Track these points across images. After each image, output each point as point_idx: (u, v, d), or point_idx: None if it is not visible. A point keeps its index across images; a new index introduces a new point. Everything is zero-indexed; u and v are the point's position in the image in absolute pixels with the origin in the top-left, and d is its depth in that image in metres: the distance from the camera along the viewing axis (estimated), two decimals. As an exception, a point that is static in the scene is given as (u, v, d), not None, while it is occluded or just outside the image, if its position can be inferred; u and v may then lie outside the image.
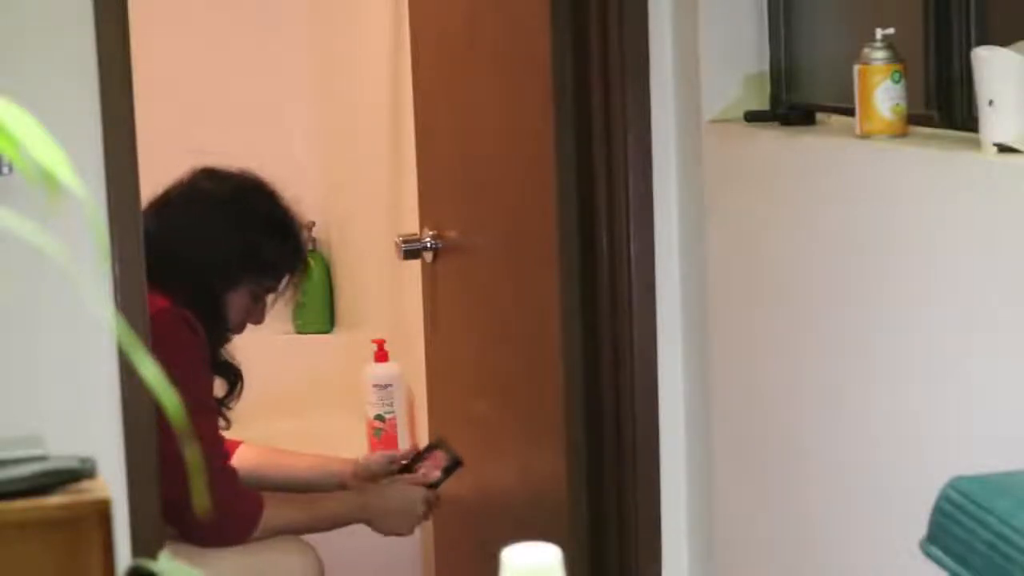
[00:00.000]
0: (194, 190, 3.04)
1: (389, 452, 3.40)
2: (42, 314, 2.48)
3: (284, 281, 3.09)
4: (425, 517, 3.17)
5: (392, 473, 3.21)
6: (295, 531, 2.98)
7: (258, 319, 3.08)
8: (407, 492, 3.13)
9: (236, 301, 3.01)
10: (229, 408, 3.09)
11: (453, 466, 3.19)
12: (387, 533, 3.13)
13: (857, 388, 2.36)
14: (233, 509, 2.87)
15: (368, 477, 3.20)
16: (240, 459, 3.12)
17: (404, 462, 3.26)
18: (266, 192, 3.09)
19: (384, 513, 3.09)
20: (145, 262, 2.60)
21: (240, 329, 3.07)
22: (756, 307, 2.67)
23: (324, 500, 3.08)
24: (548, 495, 3.08)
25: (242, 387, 3.09)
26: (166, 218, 2.94)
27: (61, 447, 1.79)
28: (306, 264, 3.18)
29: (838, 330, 2.40)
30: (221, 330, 3.01)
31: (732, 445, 2.78)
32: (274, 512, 2.93)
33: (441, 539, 3.64)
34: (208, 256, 2.95)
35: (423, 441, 3.87)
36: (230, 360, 3.08)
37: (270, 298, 3.09)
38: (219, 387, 3.07)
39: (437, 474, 3.18)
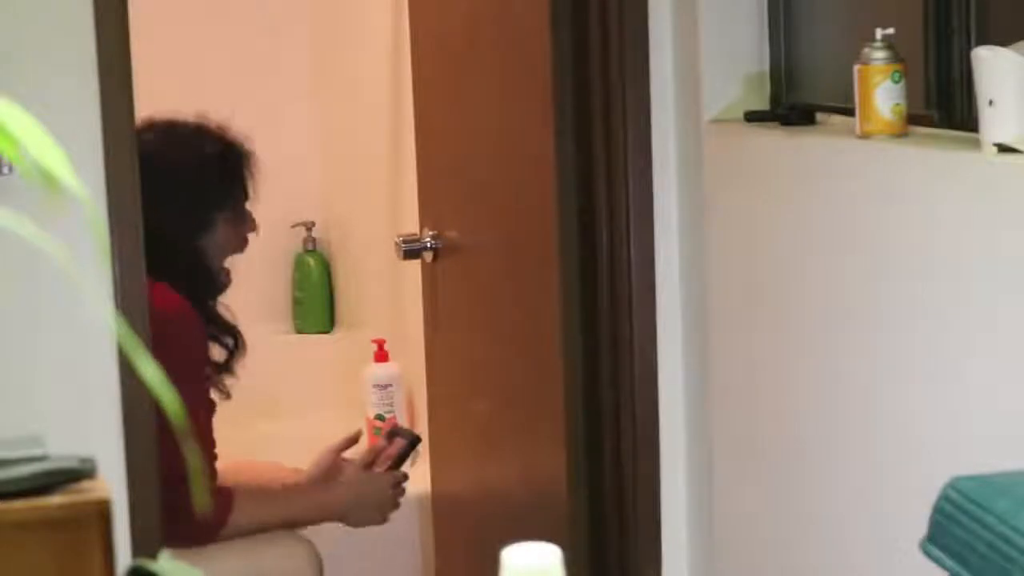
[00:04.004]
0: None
1: (353, 458, 3.24)
2: (42, 314, 2.48)
3: (248, 181, 3.04)
4: (395, 502, 3.14)
5: (338, 462, 3.16)
6: (264, 530, 2.95)
7: (252, 227, 3.06)
8: (373, 481, 3.10)
9: (218, 235, 2.98)
10: (233, 372, 3.04)
11: (411, 445, 3.18)
12: (360, 525, 3.11)
13: (857, 388, 2.36)
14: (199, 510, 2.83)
15: (323, 478, 3.15)
16: None
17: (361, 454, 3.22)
18: (177, 125, 3.01)
19: (354, 507, 3.07)
20: None
21: (243, 247, 3.05)
22: (756, 307, 2.67)
23: (296, 500, 3.04)
24: (548, 495, 3.08)
25: (244, 346, 3.04)
26: None
27: (61, 447, 1.79)
28: (245, 151, 3.07)
29: (838, 330, 2.40)
30: (214, 282, 2.98)
31: (732, 445, 2.78)
32: (242, 514, 2.90)
33: (441, 539, 3.64)
34: (171, 220, 2.89)
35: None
36: (229, 321, 3.03)
37: (248, 202, 3.06)
38: (219, 352, 3.02)
39: (395, 452, 3.15)
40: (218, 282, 3.01)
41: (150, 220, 2.67)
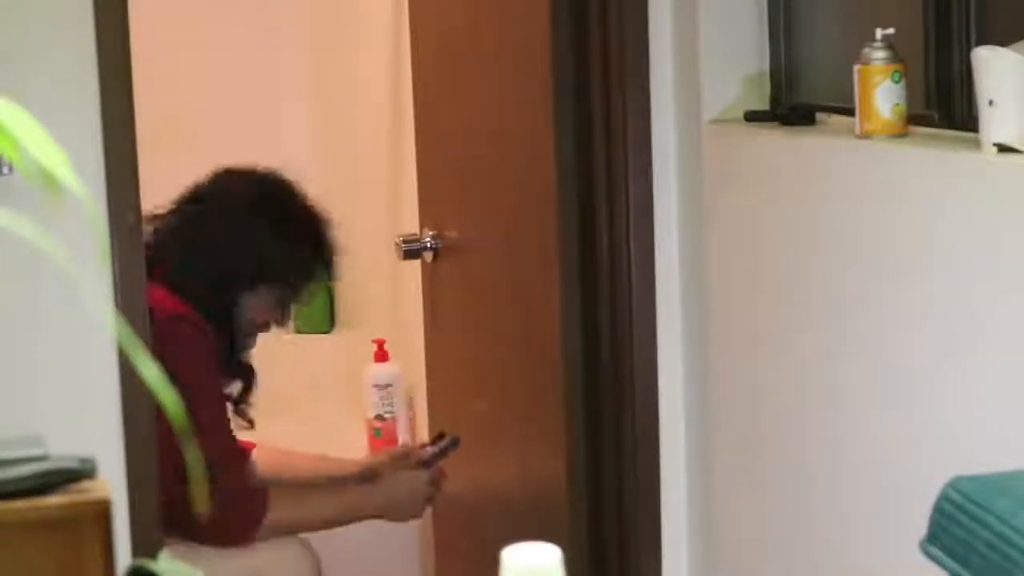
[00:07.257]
0: (217, 192, 3.02)
1: (389, 449, 3.41)
2: (42, 314, 2.48)
3: (309, 284, 3.09)
4: (431, 497, 3.18)
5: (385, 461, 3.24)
6: (301, 530, 2.98)
7: (282, 321, 3.10)
8: (408, 478, 3.15)
9: (255, 302, 3.00)
10: (247, 407, 3.09)
11: (448, 444, 3.22)
12: (399, 520, 3.15)
13: (857, 388, 2.36)
14: (235, 508, 2.87)
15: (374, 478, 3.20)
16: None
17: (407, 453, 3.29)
18: (291, 193, 3.06)
19: (391, 503, 3.11)
20: (165, 262, 2.75)
21: (264, 328, 3.07)
22: (756, 307, 2.67)
23: (330, 499, 3.07)
24: (548, 495, 3.08)
25: (255, 384, 3.08)
26: (188, 221, 2.96)
27: (61, 447, 1.79)
28: (332, 264, 3.12)
29: (838, 330, 2.40)
30: (234, 332, 3.00)
31: (732, 445, 2.78)
32: (279, 514, 2.92)
33: (441, 539, 3.64)
34: (229, 259, 2.95)
35: (423, 439, 3.87)
36: (243, 360, 3.07)
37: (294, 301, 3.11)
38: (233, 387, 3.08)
39: (428, 450, 3.22)
40: (241, 336, 3.02)
41: (221, 252, 2.88)
